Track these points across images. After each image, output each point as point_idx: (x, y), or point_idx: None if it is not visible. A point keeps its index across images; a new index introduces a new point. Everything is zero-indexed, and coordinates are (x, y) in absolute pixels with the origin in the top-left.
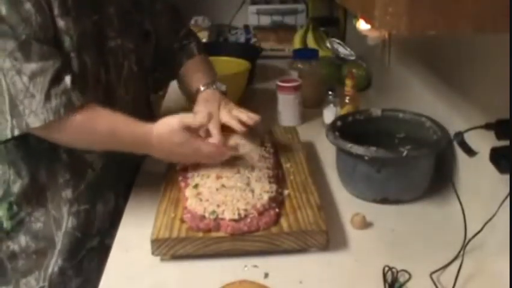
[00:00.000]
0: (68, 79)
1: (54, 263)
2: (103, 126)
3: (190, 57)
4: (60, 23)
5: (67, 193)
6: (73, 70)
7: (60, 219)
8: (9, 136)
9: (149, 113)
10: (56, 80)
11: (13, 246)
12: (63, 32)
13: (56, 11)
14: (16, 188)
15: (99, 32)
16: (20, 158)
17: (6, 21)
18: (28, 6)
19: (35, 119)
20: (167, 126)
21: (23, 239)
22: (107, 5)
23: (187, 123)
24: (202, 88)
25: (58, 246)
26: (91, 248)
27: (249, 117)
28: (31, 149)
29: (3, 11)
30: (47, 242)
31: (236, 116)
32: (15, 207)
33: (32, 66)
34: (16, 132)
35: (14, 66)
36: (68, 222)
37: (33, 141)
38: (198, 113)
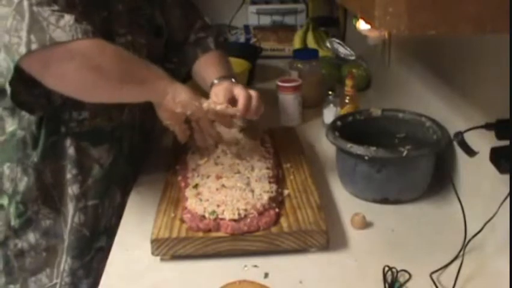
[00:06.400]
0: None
1: (64, 261)
2: (114, 51)
3: (205, 51)
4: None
5: (74, 189)
6: None
7: (67, 215)
8: (23, 52)
9: None
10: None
11: (21, 244)
12: None
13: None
14: (22, 186)
15: (108, 29)
16: (27, 155)
17: None
18: None
19: (62, 34)
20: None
21: (32, 237)
22: (115, 2)
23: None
24: (215, 81)
25: (66, 242)
26: (99, 248)
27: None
28: (38, 145)
29: None
30: (57, 238)
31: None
32: (21, 206)
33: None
34: (33, 47)
35: None
36: (74, 218)
37: (41, 136)
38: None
